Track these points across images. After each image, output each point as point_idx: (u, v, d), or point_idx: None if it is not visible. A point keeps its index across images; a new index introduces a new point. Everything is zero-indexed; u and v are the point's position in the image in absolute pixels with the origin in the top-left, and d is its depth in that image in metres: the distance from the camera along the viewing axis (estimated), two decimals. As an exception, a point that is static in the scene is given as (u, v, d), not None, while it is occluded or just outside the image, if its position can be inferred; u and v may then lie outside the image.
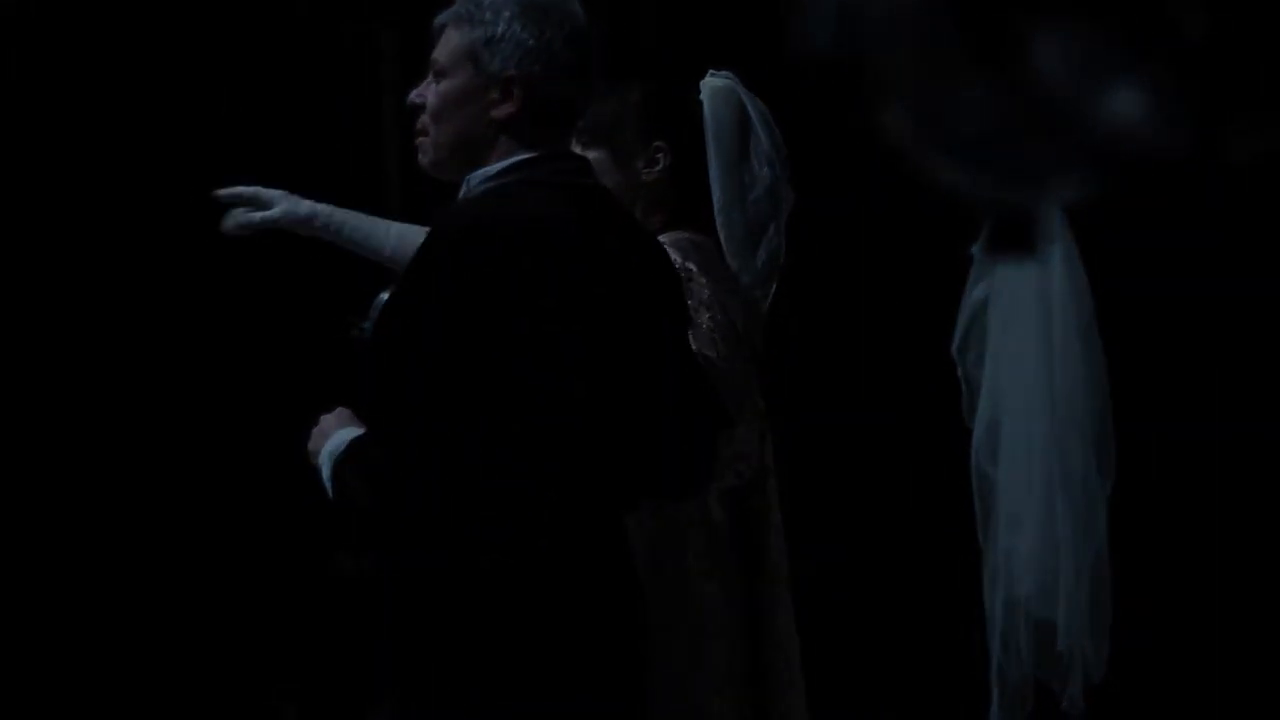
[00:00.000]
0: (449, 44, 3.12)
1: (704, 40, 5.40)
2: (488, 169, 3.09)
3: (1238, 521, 5.31)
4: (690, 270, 3.50)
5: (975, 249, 4.30)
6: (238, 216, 3.50)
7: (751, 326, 3.65)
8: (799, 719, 3.67)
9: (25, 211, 5.59)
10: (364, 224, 3.53)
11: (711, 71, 3.78)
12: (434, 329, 2.91)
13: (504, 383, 2.90)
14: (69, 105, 5.62)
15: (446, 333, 2.90)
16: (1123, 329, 4.53)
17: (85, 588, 5.60)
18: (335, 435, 3.03)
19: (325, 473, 3.02)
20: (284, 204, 3.50)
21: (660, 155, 3.61)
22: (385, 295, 3.19)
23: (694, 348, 3.28)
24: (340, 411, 3.08)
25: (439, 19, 3.16)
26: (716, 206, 3.71)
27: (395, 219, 3.59)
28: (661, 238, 3.43)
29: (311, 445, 3.06)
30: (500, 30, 3.07)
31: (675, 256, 3.38)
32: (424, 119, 3.15)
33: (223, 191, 3.51)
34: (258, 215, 3.50)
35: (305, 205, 3.51)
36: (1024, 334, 4.39)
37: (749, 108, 3.75)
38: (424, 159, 3.17)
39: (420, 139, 3.17)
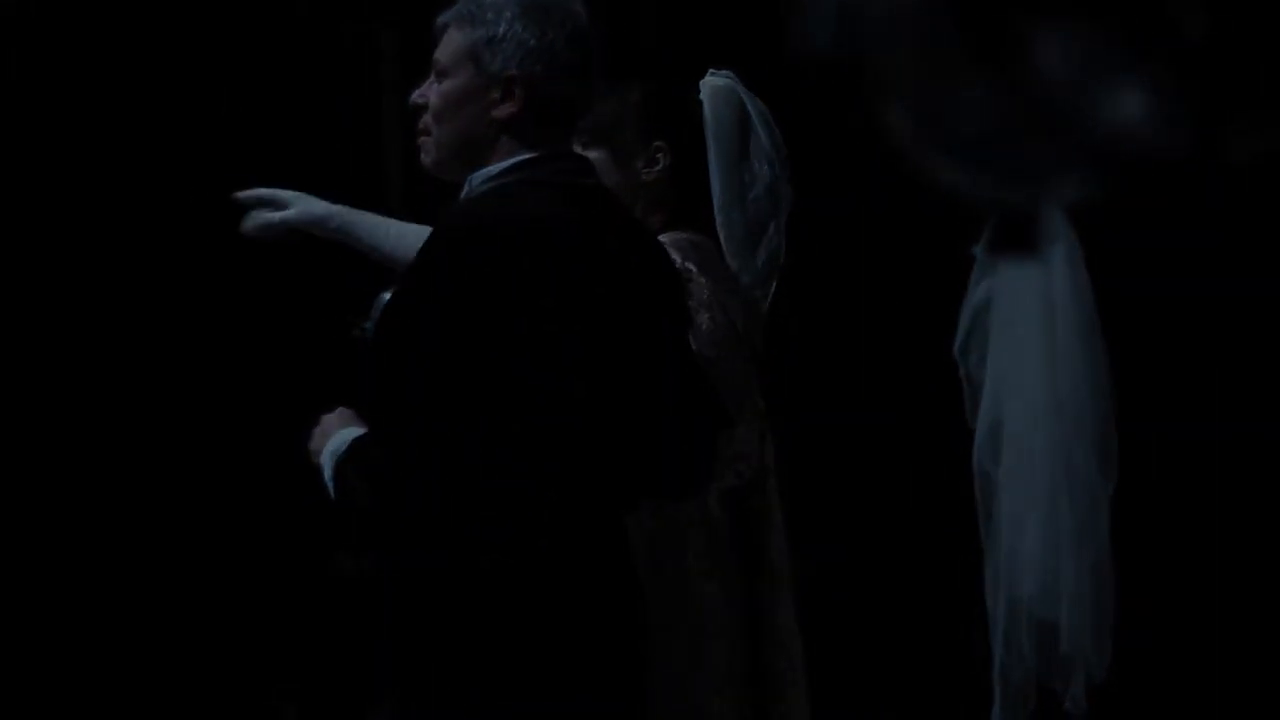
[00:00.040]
0: (450, 44, 3.12)
1: (704, 40, 5.40)
2: (489, 169, 3.09)
3: (1239, 522, 5.30)
4: (690, 270, 3.50)
5: (977, 249, 4.30)
6: (257, 218, 3.49)
7: (751, 326, 3.65)
8: (800, 719, 3.67)
9: (25, 212, 5.59)
10: (378, 225, 3.52)
11: (711, 71, 3.78)
12: (435, 329, 2.91)
13: (504, 383, 2.90)
14: (69, 105, 5.62)
15: (447, 332, 2.90)
16: (1124, 329, 4.53)
17: (86, 587, 5.60)
18: (337, 435, 3.03)
19: (327, 472, 3.02)
20: (300, 204, 3.49)
21: (660, 155, 3.61)
22: (387, 295, 3.19)
23: (694, 348, 3.28)
24: (342, 411, 3.08)
25: (440, 19, 3.16)
26: (716, 206, 3.71)
27: (396, 219, 3.58)
28: (661, 238, 3.43)
29: (313, 445, 3.06)
30: (502, 30, 3.08)
31: (675, 256, 3.38)
32: (426, 119, 3.15)
33: (241, 194, 3.50)
34: (276, 216, 3.48)
35: (320, 205, 3.49)
36: (1026, 334, 4.39)
37: (749, 107, 3.75)
38: (426, 159, 3.17)
39: (422, 139, 3.17)
